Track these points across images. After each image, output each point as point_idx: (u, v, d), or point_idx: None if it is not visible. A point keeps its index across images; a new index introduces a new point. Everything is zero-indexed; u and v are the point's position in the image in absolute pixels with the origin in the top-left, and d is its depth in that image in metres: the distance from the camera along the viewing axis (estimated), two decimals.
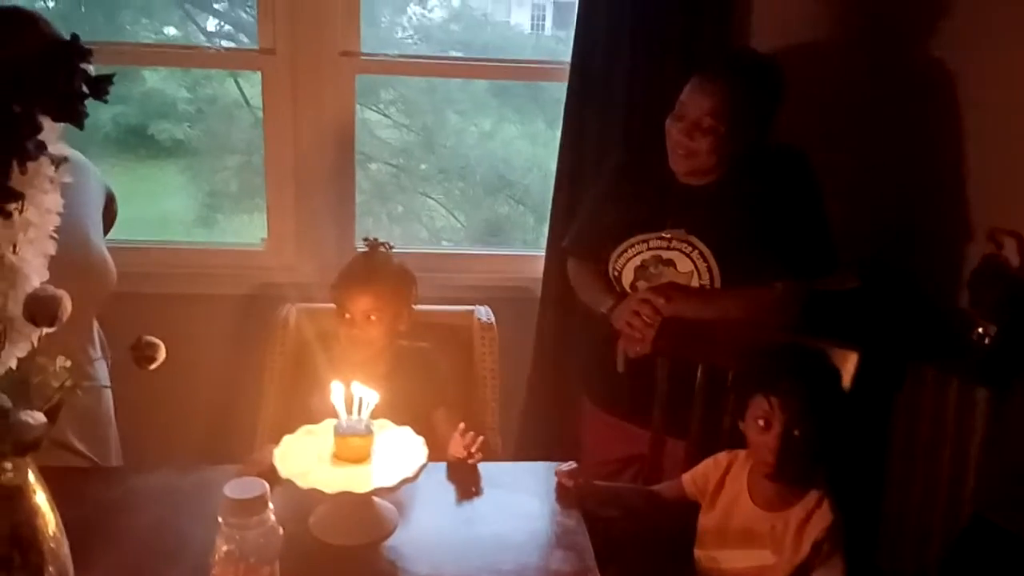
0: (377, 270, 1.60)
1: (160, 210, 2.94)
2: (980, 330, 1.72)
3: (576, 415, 1.87)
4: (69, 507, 1.00)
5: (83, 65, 0.86)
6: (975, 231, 1.89)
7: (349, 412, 1.32)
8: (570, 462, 1.43)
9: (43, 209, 0.92)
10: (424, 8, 2.85)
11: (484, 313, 1.86)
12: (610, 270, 1.72)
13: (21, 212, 0.89)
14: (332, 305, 1.69)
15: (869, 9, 1.99)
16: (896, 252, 2.04)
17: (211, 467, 1.43)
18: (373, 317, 1.57)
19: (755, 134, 1.61)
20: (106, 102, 0.87)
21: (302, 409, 1.50)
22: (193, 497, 1.36)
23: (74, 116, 0.85)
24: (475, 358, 1.80)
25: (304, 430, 1.38)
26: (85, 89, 0.86)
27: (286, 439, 1.36)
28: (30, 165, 0.87)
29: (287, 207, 2.15)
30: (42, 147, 0.87)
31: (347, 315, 1.57)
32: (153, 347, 1.01)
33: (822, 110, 1.90)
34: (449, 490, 1.42)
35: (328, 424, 1.37)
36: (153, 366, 0.99)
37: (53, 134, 0.89)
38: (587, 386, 1.85)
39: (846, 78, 1.99)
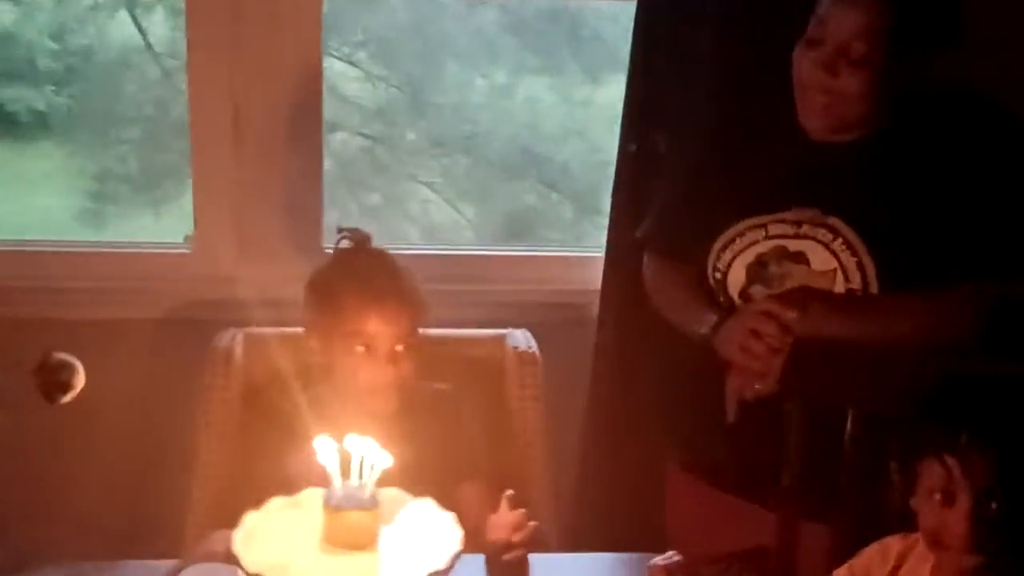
0: (395, 278, 1.66)
1: (25, 206, 2.92)
2: None
3: (659, 487, 1.88)
4: None
5: None
6: None
7: (345, 476, 1.32)
8: (669, 553, 1.45)
9: None
10: None
11: (522, 339, 1.87)
12: (710, 270, 1.71)
13: None
14: (296, 329, 1.73)
15: None
16: None
17: (126, 563, 1.45)
18: (400, 348, 1.61)
19: (922, 68, 1.61)
20: None
21: (260, 477, 1.54)
22: None
23: None
24: (510, 404, 1.84)
25: (279, 504, 1.38)
26: None
27: (251, 517, 1.35)
28: None
29: (223, 192, 2.16)
30: None
31: (361, 347, 1.61)
32: (68, 369, 1.00)
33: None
34: None
35: (313, 494, 1.36)
36: (68, 397, 1.00)
37: None
38: (676, 445, 1.84)
39: None
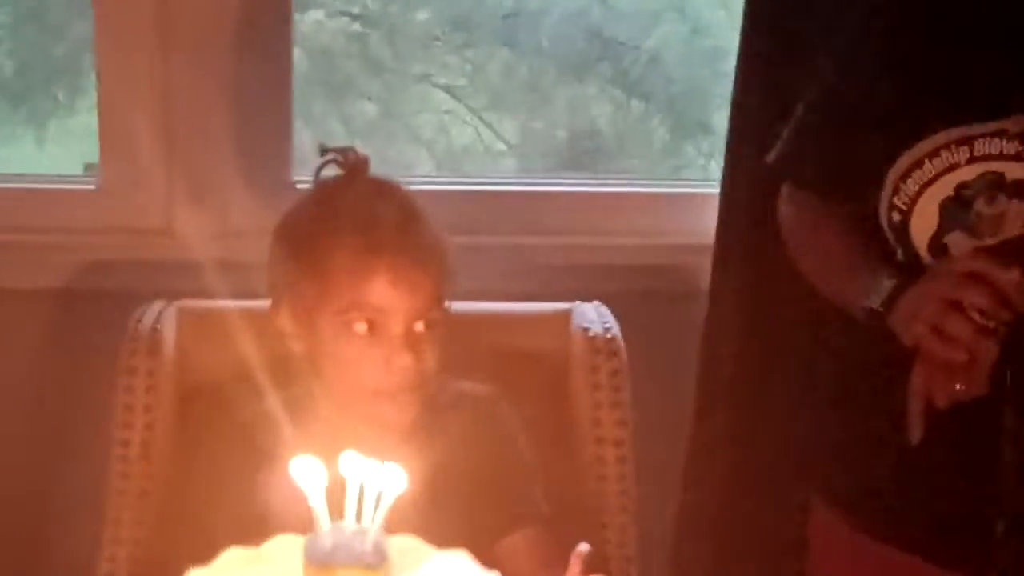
0: (412, 220, 1.67)
1: None
2: None
3: (797, 540, 1.90)
4: None
5: None
6: None
7: (336, 515, 1.31)
8: None
9: None
10: None
11: (594, 317, 1.89)
12: (884, 210, 1.71)
13: None
14: (257, 302, 1.74)
15: None
16: None
17: None
18: (420, 327, 1.62)
19: None
20: None
21: (206, 518, 1.59)
22: None
23: None
24: (578, 413, 1.86)
25: (236, 558, 1.39)
26: None
27: (198, 574, 1.35)
28: None
29: (143, 101, 2.20)
30: None
31: (362, 326, 1.62)
32: None
33: None
34: None
35: (288, 544, 1.37)
36: None
37: None
38: (826, 477, 1.84)
39: None
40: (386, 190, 1.71)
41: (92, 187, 2.25)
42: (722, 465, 2.15)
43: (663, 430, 2.12)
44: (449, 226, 1.75)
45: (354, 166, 1.71)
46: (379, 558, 1.31)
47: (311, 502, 1.31)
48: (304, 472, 1.32)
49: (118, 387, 1.80)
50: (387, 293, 1.60)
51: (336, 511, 1.32)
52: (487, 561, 1.42)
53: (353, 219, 1.65)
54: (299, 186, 2.14)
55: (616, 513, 1.81)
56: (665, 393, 2.13)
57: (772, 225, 1.88)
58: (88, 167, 2.28)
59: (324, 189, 1.73)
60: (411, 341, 1.61)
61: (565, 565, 1.46)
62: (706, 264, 2.14)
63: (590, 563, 1.47)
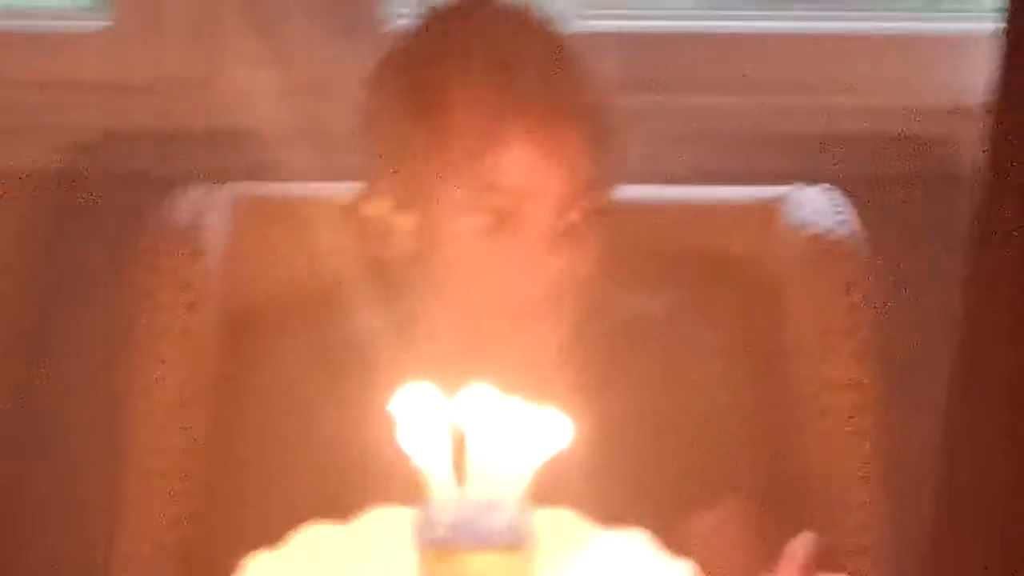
0: (561, 65, 1.68)
1: None
2: None
3: None
4: None
5: None
6: None
7: (459, 478, 1.30)
8: None
9: None
10: None
11: (818, 208, 1.88)
12: None
13: None
14: (343, 184, 1.74)
15: None
16: None
17: None
18: (572, 218, 1.64)
19: None
20: None
21: (273, 480, 1.67)
22: None
23: None
24: (796, 343, 1.87)
25: (318, 536, 1.40)
26: None
27: (262, 563, 1.36)
28: None
29: None
30: None
31: (488, 215, 1.63)
32: None
33: None
34: None
35: (390, 517, 1.38)
36: None
37: None
38: None
39: None
40: (526, 20, 1.70)
41: (103, 24, 2.29)
42: (998, 420, 2.16)
43: (917, 368, 2.14)
44: (608, 81, 1.74)
45: None
46: (517, 537, 1.30)
47: (421, 460, 1.30)
48: (412, 416, 1.30)
49: (143, 307, 1.82)
50: (527, 166, 1.60)
51: (457, 472, 1.30)
52: (675, 544, 1.38)
53: (480, 57, 1.63)
54: (390, 25, 2.18)
55: (853, 485, 1.81)
56: (920, 315, 2.15)
57: None
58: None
59: (439, 17, 1.72)
60: (559, 237, 1.61)
61: (779, 552, 1.46)
62: (976, 133, 2.12)
63: (817, 557, 1.46)
